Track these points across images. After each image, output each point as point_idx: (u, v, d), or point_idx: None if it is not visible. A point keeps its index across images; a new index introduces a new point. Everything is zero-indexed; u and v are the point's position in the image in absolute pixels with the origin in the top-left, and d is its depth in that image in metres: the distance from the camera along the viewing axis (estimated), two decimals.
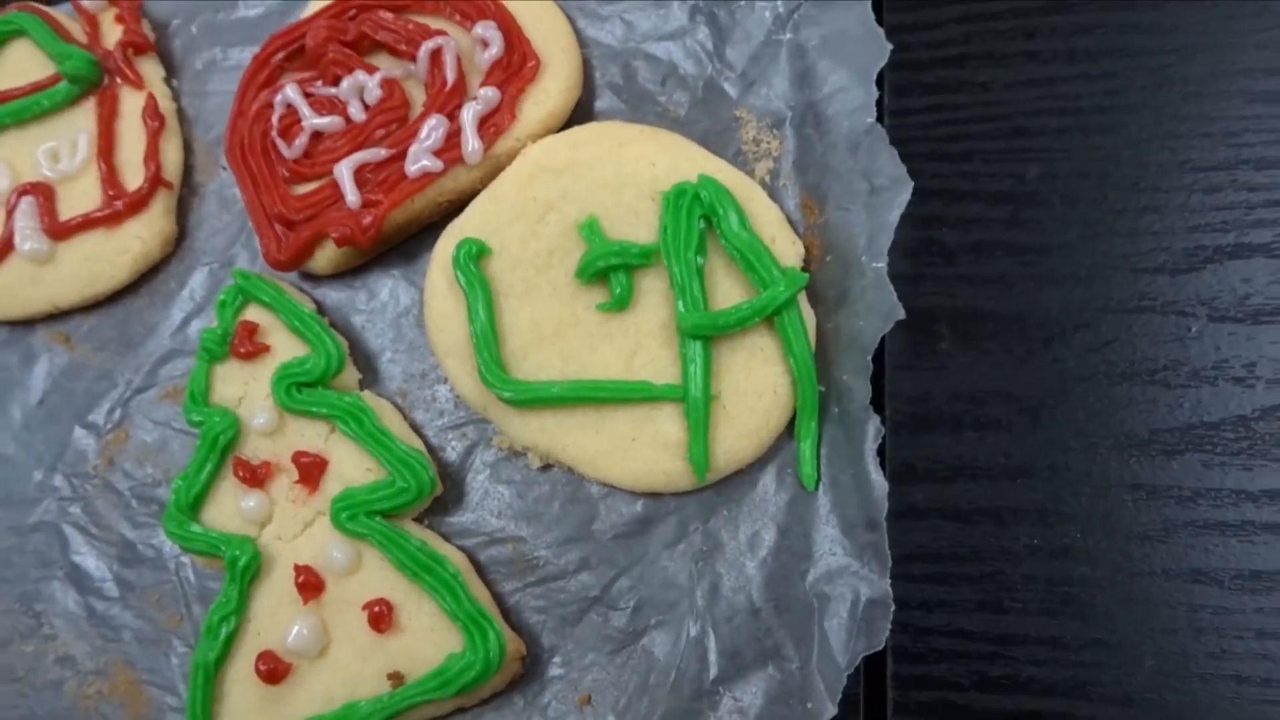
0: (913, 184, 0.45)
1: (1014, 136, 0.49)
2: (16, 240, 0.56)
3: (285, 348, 0.52)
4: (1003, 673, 0.43)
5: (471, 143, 0.50)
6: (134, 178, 0.56)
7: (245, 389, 0.52)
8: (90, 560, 0.53)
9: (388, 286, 0.54)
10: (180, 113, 0.59)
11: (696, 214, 0.47)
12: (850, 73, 0.48)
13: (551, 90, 0.52)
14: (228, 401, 0.52)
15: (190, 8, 0.61)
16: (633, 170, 0.49)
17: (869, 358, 0.44)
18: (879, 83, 0.47)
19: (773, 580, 0.45)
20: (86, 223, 0.56)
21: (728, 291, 0.47)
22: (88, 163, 0.57)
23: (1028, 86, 0.49)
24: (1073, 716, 0.42)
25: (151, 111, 0.57)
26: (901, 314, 0.43)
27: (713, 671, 0.45)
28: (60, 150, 0.57)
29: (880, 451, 0.44)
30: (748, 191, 0.48)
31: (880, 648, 0.42)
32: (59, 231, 0.56)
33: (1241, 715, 0.40)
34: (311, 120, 0.53)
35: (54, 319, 0.58)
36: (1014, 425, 0.45)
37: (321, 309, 0.54)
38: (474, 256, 0.49)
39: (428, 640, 0.46)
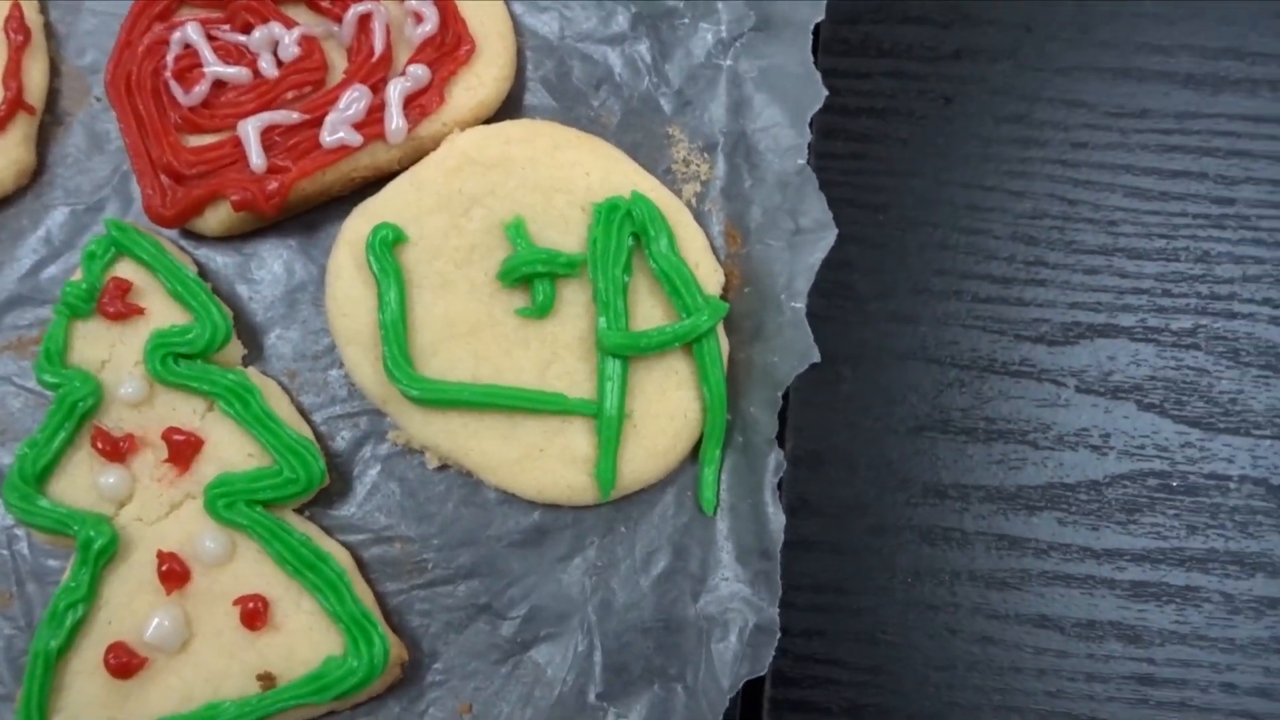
0: (836, 231, 0.47)
1: (925, 194, 0.51)
2: None
3: (161, 312, 0.48)
4: (871, 702, 0.46)
5: (396, 121, 0.48)
6: None
7: (110, 352, 0.47)
8: None
9: (282, 258, 0.50)
10: (48, 28, 0.52)
11: (627, 231, 0.47)
12: (785, 111, 0.50)
13: (485, 77, 0.50)
14: (88, 364, 0.47)
15: None
16: (566, 176, 0.48)
17: (779, 394, 0.46)
18: (810, 124, 0.49)
19: (664, 600, 0.46)
20: None
21: (648, 312, 0.48)
22: None
23: (938, 149, 0.52)
24: None
25: (16, 23, 0.50)
26: (816, 357, 0.45)
27: (598, 687, 0.45)
28: None
29: (779, 486, 0.46)
30: (677, 214, 0.49)
31: (763, 672, 0.44)
32: None
33: None
34: (215, 68, 0.48)
35: None
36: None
37: (204, 273, 0.50)
38: (390, 243, 0.47)
39: (305, 640, 0.44)
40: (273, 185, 0.47)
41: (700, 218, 0.50)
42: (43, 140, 0.51)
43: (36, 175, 0.51)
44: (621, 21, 0.52)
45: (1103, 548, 0.47)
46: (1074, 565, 0.47)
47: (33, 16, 0.51)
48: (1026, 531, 0.47)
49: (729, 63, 0.51)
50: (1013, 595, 0.47)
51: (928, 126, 0.52)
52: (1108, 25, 0.52)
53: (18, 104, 0.49)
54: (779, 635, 0.44)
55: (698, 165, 0.51)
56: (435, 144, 0.49)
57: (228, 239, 0.50)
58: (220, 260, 0.50)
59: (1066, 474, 0.48)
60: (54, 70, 0.52)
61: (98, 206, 0.51)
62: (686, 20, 0.52)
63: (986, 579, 0.47)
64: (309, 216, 0.50)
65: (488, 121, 0.50)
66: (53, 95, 0.52)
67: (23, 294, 0.50)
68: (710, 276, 0.48)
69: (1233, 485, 0.48)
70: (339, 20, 0.49)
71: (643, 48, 0.52)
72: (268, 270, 0.50)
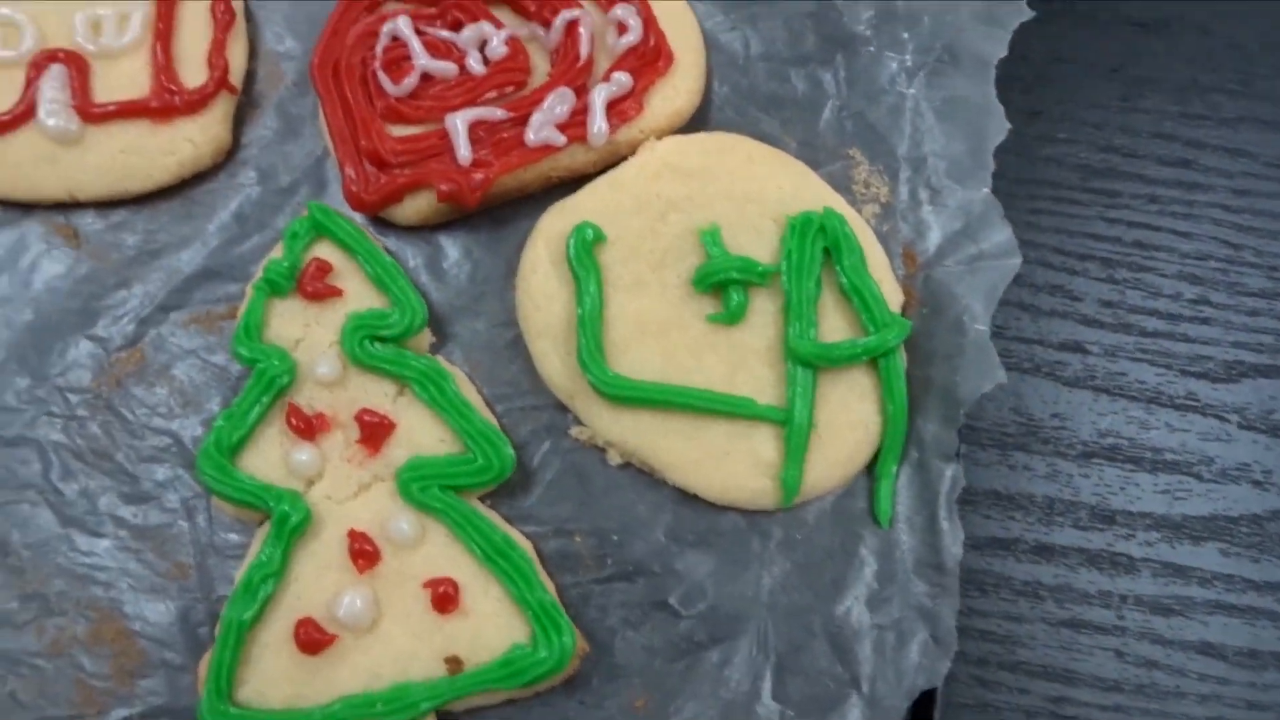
0: (1020, 258, 0.48)
1: (1096, 232, 0.53)
2: (41, 112, 0.49)
3: (358, 295, 0.48)
4: (1041, 716, 0.47)
5: (599, 124, 0.49)
6: (193, 74, 0.50)
7: (305, 332, 0.48)
8: (78, 487, 0.47)
9: (469, 251, 0.51)
10: (247, 12, 0.53)
11: (820, 245, 0.48)
12: (966, 140, 0.51)
13: (680, 89, 0.51)
14: (284, 341, 0.47)
15: None
16: (760, 188, 0.49)
17: (961, 412, 0.47)
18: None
19: (840, 608, 0.47)
20: (131, 109, 0.49)
21: (834, 325, 0.49)
22: (138, 44, 0.50)
23: (1110, 192, 0.53)
24: None
25: (224, 4, 0.51)
26: (1003, 378, 0.46)
27: (772, 689, 0.46)
28: (105, 22, 0.50)
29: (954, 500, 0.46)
30: (862, 233, 0.50)
31: (938, 684, 0.44)
32: (94, 113, 0.49)
33: None
34: (424, 61, 0.50)
35: (60, 207, 0.50)
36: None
37: (395, 260, 0.50)
38: (590, 242, 0.48)
39: (492, 626, 0.45)
40: (478, 177, 0.48)
41: (879, 238, 0.51)
42: (238, 120, 0.52)
43: (231, 154, 0.52)
44: (810, 44, 0.54)
45: (1264, 580, 0.48)
46: (1237, 595, 0.48)
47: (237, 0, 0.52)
48: (1191, 560, 0.48)
49: (912, 91, 0.53)
50: (1177, 621, 0.48)
51: (1098, 169, 0.54)
52: (1268, 80, 0.54)
53: (222, 83, 0.50)
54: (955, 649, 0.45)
55: (878, 188, 0.52)
56: (630, 150, 0.50)
57: (415, 229, 0.51)
58: (408, 250, 0.51)
59: (1230, 507, 0.49)
60: (251, 53, 0.53)
61: (290, 188, 0.51)
62: (873, 48, 0.53)
63: (1152, 605, 0.48)
64: (496, 212, 0.51)
65: (678, 132, 0.51)
66: (249, 78, 0.52)
67: (213, 268, 0.50)
68: (892, 295, 0.49)
69: None
70: (545, 24, 0.50)
71: (828, 71, 0.53)
72: (454, 263, 0.51)
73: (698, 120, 0.53)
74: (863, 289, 0.48)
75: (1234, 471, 0.50)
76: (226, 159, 0.51)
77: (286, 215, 0.51)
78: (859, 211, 0.52)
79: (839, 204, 0.50)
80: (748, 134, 0.52)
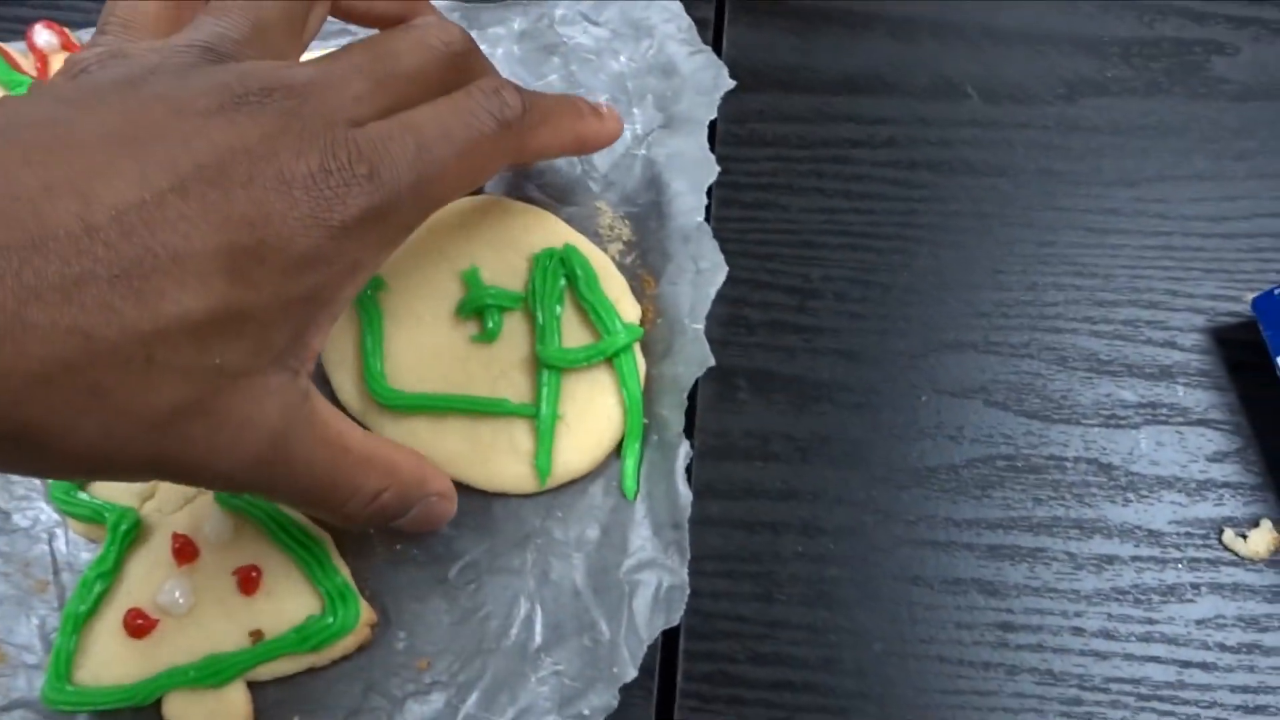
0: (728, 269, 0.59)
1: (803, 247, 0.64)
2: None
3: None
4: (769, 650, 0.54)
5: None
6: None
7: None
8: None
9: None
10: None
11: (559, 273, 0.59)
12: (687, 183, 0.63)
13: None
14: None
15: None
16: (515, 235, 0.61)
17: (684, 396, 0.56)
18: (709, 194, 0.62)
19: (594, 569, 0.55)
20: None
21: (578, 335, 0.59)
22: None
23: (815, 212, 0.65)
24: (820, 685, 0.53)
25: None
26: (712, 362, 0.56)
27: (538, 640, 0.54)
28: None
29: (688, 472, 0.55)
30: (601, 262, 0.61)
31: (676, 624, 0.52)
32: None
33: (939, 685, 0.52)
34: None
35: None
36: (790, 459, 0.58)
37: None
38: (373, 289, 0.59)
39: (291, 604, 0.53)
40: None
41: (623, 268, 0.62)
42: None
43: None
44: None
45: (962, 518, 0.56)
46: (939, 533, 0.56)
47: None
48: (896, 506, 0.56)
49: (643, 152, 0.65)
50: (888, 558, 0.55)
51: (803, 196, 0.65)
52: (943, 118, 0.66)
53: None
54: (689, 594, 0.53)
55: (620, 229, 0.63)
56: None
57: None
58: None
59: (928, 459, 0.57)
60: None
61: None
62: None
63: (866, 545, 0.56)
64: None
65: None
66: None
67: None
68: (629, 310, 0.60)
69: (1069, 464, 0.57)
70: None
71: None
72: None
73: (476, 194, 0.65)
74: (596, 304, 0.58)
75: (931, 430, 0.58)
76: None
77: None
78: (606, 249, 0.63)
79: (579, 240, 0.61)
80: (514, 197, 0.64)
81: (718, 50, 0.70)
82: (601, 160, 0.65)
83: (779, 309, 0.62)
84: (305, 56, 0.66)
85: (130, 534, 0.54)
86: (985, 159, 0.65)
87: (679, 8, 0.67)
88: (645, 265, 0.62)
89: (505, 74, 0.67)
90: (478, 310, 0.59)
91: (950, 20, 0.70)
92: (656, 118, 0.65)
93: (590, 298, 0.58)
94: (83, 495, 0.55)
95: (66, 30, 0.69)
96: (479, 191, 0.64)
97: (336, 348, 0.59)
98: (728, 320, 0.61)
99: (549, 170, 0.65)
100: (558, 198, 0.64)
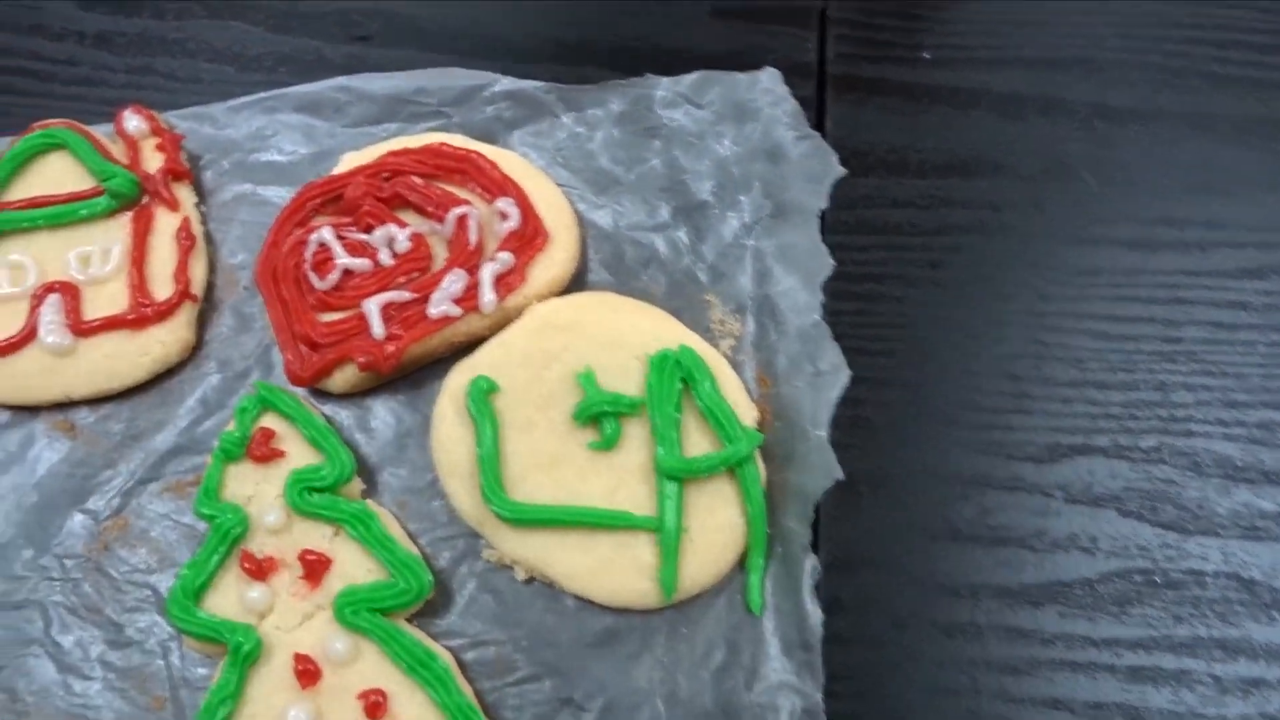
0: (849, 373, 0.57)
1: (920, 342, 0.62)
2: (40, 332, 0.60)
3: (298, 455, 0.58)
4: None
5: (488, 295, 0.60)
6: (162, 288, 0.62)
7: (256, 489, 0.57)
8: (73, 639, 0.56)
9: (392, 409, 0.61)
10: (207, 235, 0.66)
11: (676, 376, 0.58)
12: (800, 278, 0.61)
13: (556, 259, 0.62)
14: (238, 499, 0.57)
15: (223, 147, 0.68)
16: (624, 334, 0.59)
17: (810, 509, 0.55)
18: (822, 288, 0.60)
19: (722, 690, 0.53)
20: (112, 323, 0.61)
21: (698, 442, 0.57)
22: (118, 271, 0.62)
23: (931, 305, 0.63)
24: None
25: (185, 232, 0.63)
26: (840, 474, 0.54)
27: None
28: (92, 256, 0.63)
29: (816, 588, 0.54)
30: (716, 362, 0.59)
31: None
32: (84, 329, 0.60)
33: None
34: (344, 259, 0.61)
35: (59, 407, 0.61)
36: (918, 570, 0.56)
37: (330, 423, 0.60)
38: (485, 392, 0.57)
39: None
40: (390, 349, 0.59)
41: (735, 366, 0.60)
42: (201, 322, 0.63)
43: (195, 350, 0.63)
44: (664, 214, 0.64)
45: (1101, 637, 0.54)
46: (1078, 653, 0.54)
47: (196, 227, 0.65)
48: (1032, 624, 0.55)
49: (752, 242, 0.63)
50: (1025, 680, 0.54)
51: (918, 288, 0.63)
52: (1058, 203, 0.64)
53: (185, 295, 0.62)
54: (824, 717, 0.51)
55: (731, 324, 0.62)
56: (517, 314, 0.61)
57: (349, 396, 0.61)
58: (342, 414, 0.61)
59: (1063, 573, 0.56)
60: (211, 267, 0.65)
61: (244, 373, 0.62)
62: (717, 211, 0.64)
63: (1000, 666, 0.54)
64: (414, 375, 0.61)
65: (561, 294, 0.62)
66: (209, 288, 0.64)
67: (182, 445, 0.60)
68: (747, 413, 0.58)
69: (1209, 579, 0.55)
70: (441, 220, 0.62)
71: (682, 233, 0.64)
72: (380, 420, 0.61)
73: (578, 283, 0.63)
74: (717, 410, 0.57)
75: (1064, 542, 0.57)
76: (192, 354, 0.62)
77: (245, 394, 0.61)
78: (717, 345, 0.61)
79: (693, 340, 0.59)
80: (620, 292, 0.63)
81: (820, 130, 0.68)
82: (710, 250, 0.63)
83: (897, 408, 0.61)
84: (347, 156, 0.64)
85: (252, 655, 0.53)
86: (1104, 251, 0.63)
87: (784, 90, 0.66)
88: (760, 363, 0.60)
89: (604, 159, 0.66)
90: (594, 417, 0.57)
91: (1059, 98, 0.68)
92: (765, 206, 0.64)
93: (709, 402, 0.57)
94: (200, 614, 0.54)
95: (154, 114, 0.67)
96: (577, 288, 0.62)
97: (450, 452, 0.57)
98: (848, 423, 0.60)
99: (654, 261, 0.64)
100: (666, 290, 0.63)
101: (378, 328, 0.59)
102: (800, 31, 0.70)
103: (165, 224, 0.64)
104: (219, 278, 0.65)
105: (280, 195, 0.66)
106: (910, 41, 0.70)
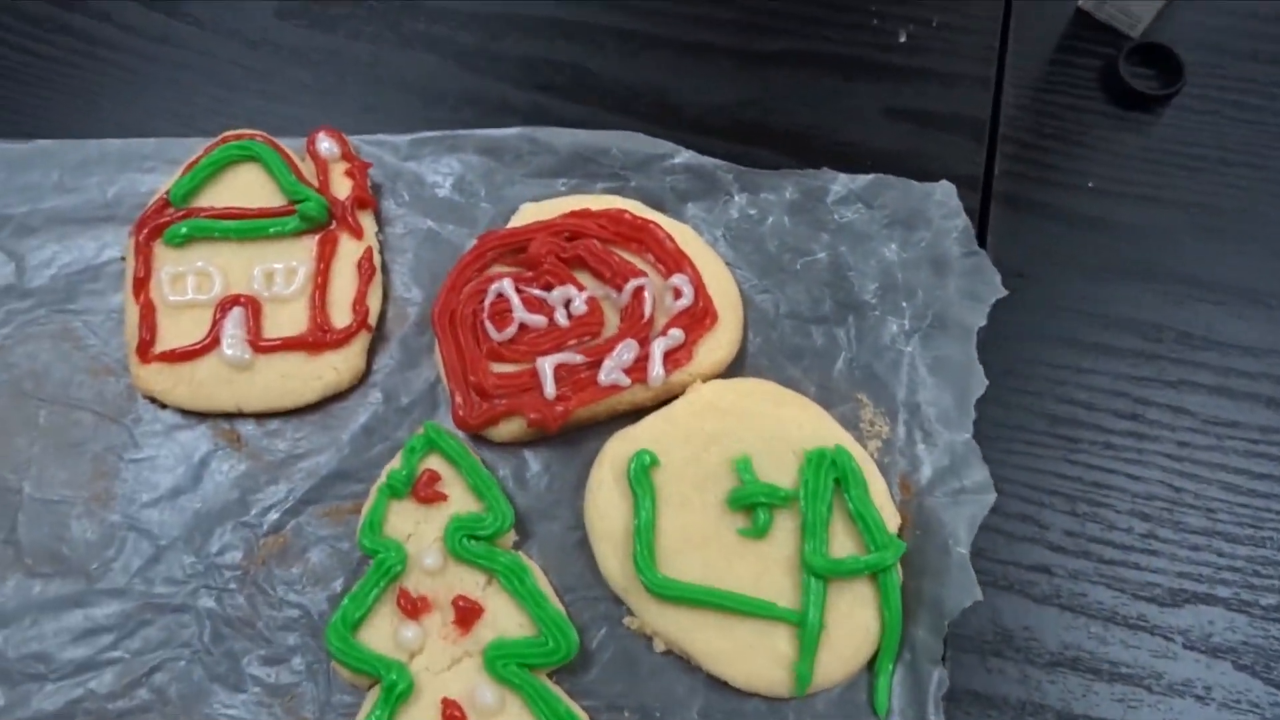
0: (995, 495, 0.59)
1: (1059, 473, 0.64)
2: (223, 343, 0.62)
3: (460, 500, 0.60)
4: None
5: (657, 369, 0.62)
6: (340, 315, 0.64)
7: (416, 528, 0.59)
8: (224, 649, 0.58)
9: (548, 464, 0.63)
10: (383, 266, 0.68)
11: (832, 476, 0.60)
12: (954, 394, 0.63)
13: (722, 341, 0.64)
14: (398, 535, 0.59)
15: (404, 178, 0.70)
16: (784, 427, 0.61)
17: (945, 624, 0.57)
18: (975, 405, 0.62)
19: None
20: (291, 344, 0.63)
21: (843, 542, 0.59)
22: (300, 292, 0.64)
23: (1070, 440, 0.65)
24: None
25: (367, 262, 0.65)
26: (979, 595, 0.57)
27: None
28: (277, 274, 0.65)
29: (943, 700, 0.56)
30: (866, 464, 0.61)
31: None
32: (263, 346, 0.63)
33: None
34: (522, 314, 0.63)
35: (227, 416, 0.63)
36: (1038, 695, 0.59)
37: (490, 472, 0.62)
38: (647, 467, 0.60)
39: None
40: (559, 409, 0.61)
41: (881, 468, 0.62)
42: (370, 351, 0.65)
43: (363, 379, 0.65)
44: (825, 307, 0.67)
45: None
46: None
47: (377, 257, 0.67)
48: None
49: (909, 349, 0.65)
50: None
51: (1062, 418, 0.65)
52: (1205, 351, 0.67)
53: (362, 324, 0.64)
54: None
55: (880, 426, 0.64)
56: (681, 390, 0.63)
57: (506, 445, 0.63)
58: (499, 462, 0.63)
59: (1176, 717, 0.58)
60: (384, 297, 0.67)
61: (408, 408, 0.64)
62: (877, 312, 0.66)
63: None
64: (572, 434, 0.63)
65: (720, 376, 0.64)
66: (381, 317, 0.66)
67: (344, 470, 0.62)
68: (891, 519, 0.60)
69: None
70: (618, 289, 0.64)
71: (840, 329, 0.66)
72: (535, 473, 0.63)
73: (736, 365, 0.65)
74: (866, 515, 0.59)
75: (1180, 686, 0.59)
76: (360, 382, 0.65)
77: (404, 430, 0.63)
78: (864, 445, 0.63)
79: (848, 441, 0.62)
80: (775, 379, 0.65)
81: (981, 241, 0.70)
82: (866, 351, 0.65)
83: (1033, 536, 0.63)
84: (526, 207, 0.67)
85: (405, 695, 0.55)
86: (1245, 405, 0.66)
87: (957, 204, 0.68)
88: (905, 470, 0.63)
89: (772, 244, 0.68)
90: (748, 505, 0.59)
91: (1214, 243, 0.70)
92: (925, 315, 0.66)
93: (859, 507, 0.59)
94: (359, 645, 0.56)
95: (346, 138, 0.69)
96: (736, 371, 0.65)
97: (606, 518, 0.60)
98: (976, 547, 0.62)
99: (810, 352, 0.66)
100: (819, 382, 0.65)
101: (549, 387, 0.61)
102: (969, 143, 0.72)
103: (348, 251, 0.66)
104: (390, 309, 0.67)
105: (455, 234, 0.68)
106: (1075, 168, 0.72)
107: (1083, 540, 0.62)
